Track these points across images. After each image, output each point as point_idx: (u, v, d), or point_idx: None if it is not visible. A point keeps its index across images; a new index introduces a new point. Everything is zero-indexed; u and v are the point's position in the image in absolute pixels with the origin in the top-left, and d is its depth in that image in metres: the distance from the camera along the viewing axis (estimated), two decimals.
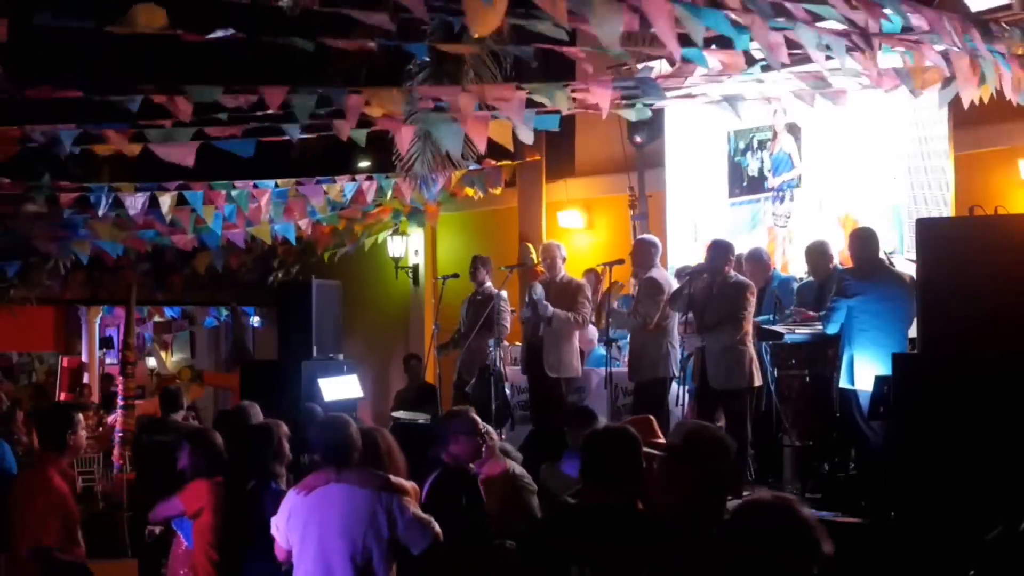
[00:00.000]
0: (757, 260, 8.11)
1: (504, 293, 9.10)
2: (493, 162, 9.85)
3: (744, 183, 9.75)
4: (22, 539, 5.11)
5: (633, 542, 3.31)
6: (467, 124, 6.12)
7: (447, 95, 6.19)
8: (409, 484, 4.52)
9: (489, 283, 9.20)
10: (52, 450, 5.33)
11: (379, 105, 5.80)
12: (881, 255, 6.72)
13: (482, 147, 6.57)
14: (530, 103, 6.24)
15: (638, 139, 10.18)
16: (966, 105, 5.77)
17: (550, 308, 8.29)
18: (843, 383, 6.43)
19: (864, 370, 6.25)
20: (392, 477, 4.44)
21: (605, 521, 3.37)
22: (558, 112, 6.56)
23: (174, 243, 10.27)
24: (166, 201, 8.51)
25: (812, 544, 2.49)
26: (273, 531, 4.46)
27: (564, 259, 8.69)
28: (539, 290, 8.38)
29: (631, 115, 6.95)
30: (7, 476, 7.65)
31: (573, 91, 6.29)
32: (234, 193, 8.77)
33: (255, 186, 8.90)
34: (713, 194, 10.02)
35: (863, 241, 6.65)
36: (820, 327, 6.90)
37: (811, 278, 7.72)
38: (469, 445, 4.95)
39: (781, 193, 9.65)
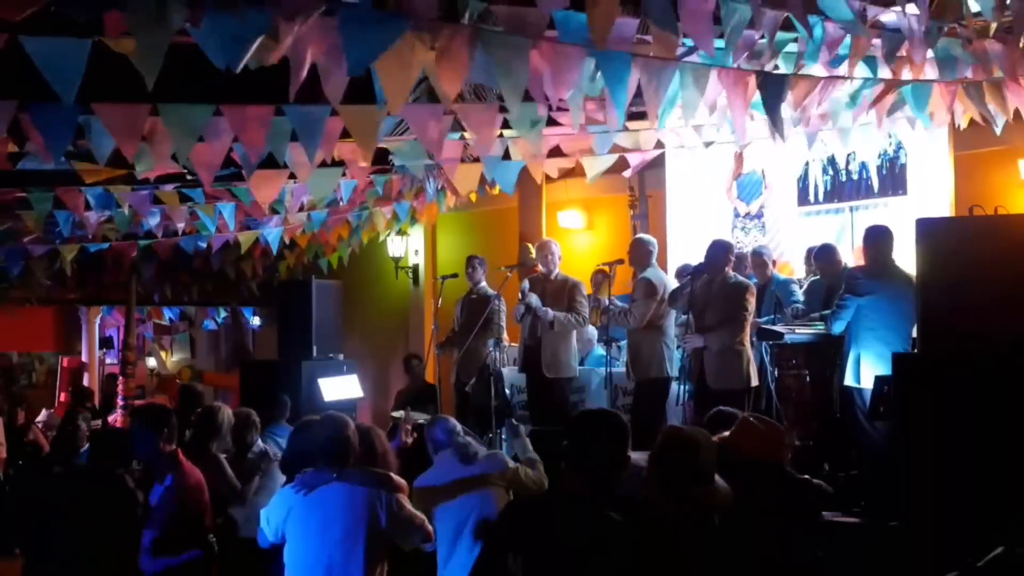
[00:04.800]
0: (759, 258, 8.22)
1: (502, 304, 9.01)
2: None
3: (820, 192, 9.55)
4: None
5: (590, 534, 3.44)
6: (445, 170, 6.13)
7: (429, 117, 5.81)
8: (403, 482, 4.61)
9: (484, 283, 9.19)
10: None
11: (350, 126, 5.54)
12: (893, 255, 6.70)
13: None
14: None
15: None
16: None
17: (550, 312, 8.22)
18: (848, 381, 6.41)
19: (871, 369, 6.25)
20: (391, 474, 4.54)
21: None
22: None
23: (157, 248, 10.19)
24: (171, 195, 8.46)
25: None
26: (263, 523, 4.54)
27: (560, 257, 8.66)
28: (534, 299, 8.31)
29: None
30: None
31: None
32: (235, 191, 8.72)
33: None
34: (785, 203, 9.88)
35: (877, 240, 6.61)
36: (821, 327, 6.90)
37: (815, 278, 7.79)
38: None
39: (760, 220, 9.58)
